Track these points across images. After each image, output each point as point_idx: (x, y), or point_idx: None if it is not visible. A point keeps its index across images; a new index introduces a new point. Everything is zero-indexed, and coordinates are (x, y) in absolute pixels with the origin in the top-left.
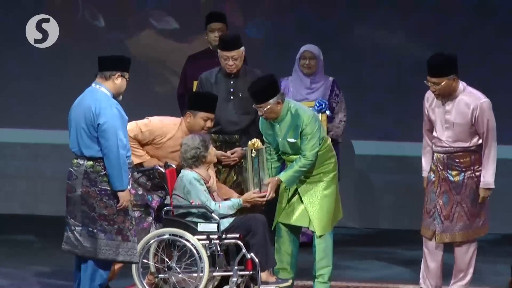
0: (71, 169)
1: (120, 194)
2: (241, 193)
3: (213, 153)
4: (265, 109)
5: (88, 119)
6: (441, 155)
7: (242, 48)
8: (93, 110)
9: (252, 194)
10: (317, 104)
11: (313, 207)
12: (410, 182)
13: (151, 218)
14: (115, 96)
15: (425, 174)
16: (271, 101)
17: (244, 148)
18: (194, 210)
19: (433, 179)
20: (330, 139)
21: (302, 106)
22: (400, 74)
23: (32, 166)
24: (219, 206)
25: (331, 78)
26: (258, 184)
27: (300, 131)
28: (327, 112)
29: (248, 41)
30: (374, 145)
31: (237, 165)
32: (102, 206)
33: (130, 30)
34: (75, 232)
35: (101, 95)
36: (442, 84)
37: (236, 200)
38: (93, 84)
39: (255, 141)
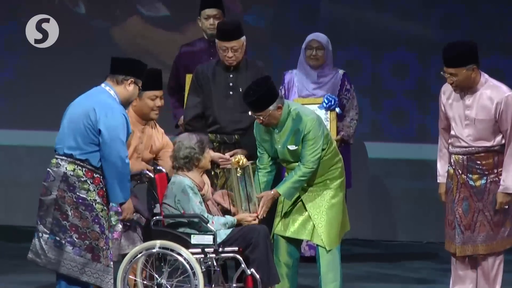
0: (49, 169)
1: (122, 207)
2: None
3: (208, 158)
4: (265, 116)
5: (90, 120)
6: (460, 156)
7: (243, 38)
8: (96, 112)
9: (246, 216)
10: (326, 101)
11: (320, 218)
12: (431, 188)
13: (120, 225)
14: (123, 104)
15: (440, 179)
16: (270, 107)
17: (228, 167)
18: (187, 220)
19: (452, 185)
20: (335, 142)
21: (304, 108)
22: (421, 69)
23: (5, 170)
24: (212, 222)
25: (341, 71)
26: (247, 204)
27: (302, 137)
28: (337, 109)
29: (247, 30)
30: (390, 147)
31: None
32: (77, 216)
33: (115, 18)
34: (41, 240)
35: (110, 98)
36: (460, 75)
37: (230, 219)
38: (102, 85)
39: (239, 158)
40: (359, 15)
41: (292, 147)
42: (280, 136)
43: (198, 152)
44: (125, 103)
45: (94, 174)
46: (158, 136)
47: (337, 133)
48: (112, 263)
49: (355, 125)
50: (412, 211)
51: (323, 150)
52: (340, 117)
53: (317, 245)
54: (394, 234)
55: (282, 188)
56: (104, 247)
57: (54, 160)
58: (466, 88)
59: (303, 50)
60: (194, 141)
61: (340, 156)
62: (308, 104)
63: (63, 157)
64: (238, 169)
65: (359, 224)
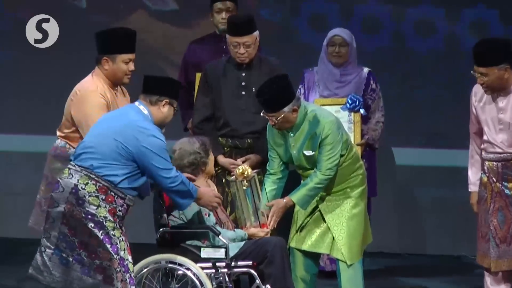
0: (60, 180)
1: (199, 202)
2: None
3: (212, 161)
4: (278, 118)
5: (128, 140)
6: (494, 163)
7: (256, 33)
8: (141, 129)
9: (257, 231)
10: (349, 101)
11: (340, 230)
12: (464, 198)
13: None
14: (157, 125)
15: (472, 188)
16: (285, 109)
17: (231, 179)
18: (196, 232)
19: (485, 194)
20: (356, 147)
21: (322, 110)
22: (456, 66)
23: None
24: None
25: (366, 69)
26: (255, 216)
27: (319, 142)
28: (361, 110)
29: (262, 24)
30: (419, 153)
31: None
32: (86, 233)
33: (119, 12)
34: (44, 255)
35: (147, 118)
36: (491, 75)
37: (241, 232)
38: (136, 103)
39: (244, 169)
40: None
41: (308, 153)
42: (295, 140)
43: (203, 156)
44: (159, 125)
45: (109, 192)
46: (127, 98)
47: (362, 137)
48: None
49: (381, 128)
50: (442, 222)
51: (342, 156)
52: (364, 120)
53: (338, 259)
54: (422, 247)
55: (296, 196)
56: (118, 269)
57: (66, 171)
58: (497, 89)
59: (325, 47)
60: (197, 145)
61: (361, 162)
62: (330, 105)
63: (78, 168)
64: (244, 181)
65: (384, 236)
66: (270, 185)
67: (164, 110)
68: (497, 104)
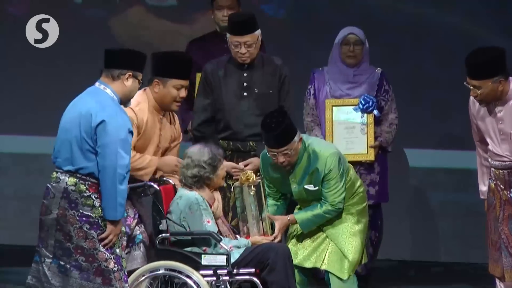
0: (49, 185)
1: (108, 224)
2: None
3: (222, 175)
4: (292, 150)
5: (84, 127)
6: (501, 171)
7: (258, 32)
8: (92, 118)
9: (261, 239)
10: (362, 102)
11: (348, 245)
12: (479, 202)
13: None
14: (122, 102)
15: (484, 196)
16: (295, 138)
17: (235, 184)
18: (196, 238)
19: (494, 201)
20: (352, 169)
21: (320, 142)
22: None
23: None
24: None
25: (378, 70)
26: (261, 225)
27: (322, 177)
28: (375, 112)
29: (265, 22)
30: (433, 155)
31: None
32: (81, 236)
33: (115, 6)
34: (44, 265)
35: (106, 98)
36: (485, 88)
37: (244, 241)
38: (96, 84)
39: (248, 175)
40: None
41: (310, 187)
42: (295, 175)
43: (208, 171)
44: (125, 100)
45: (99, 188)
46: (176, 127)
47: (375, 139)
48: (127, 285)
49: (395, 131)
50: (457, 228)
51: None
52: (377, 121)
53: (331, 273)
54: (434, 254)
55: (300, 216)
56: (115, 268)
57: (54, 175)
58: (491, 101)
59: (337, 46)
60: (205, 158)
61: (360, 180)
62: (342, 106)
63: (62, 171)
64: (252, 187)
65: (395, 242)
66: (272, 202)
67: (128, 83)
68: (495, 114)
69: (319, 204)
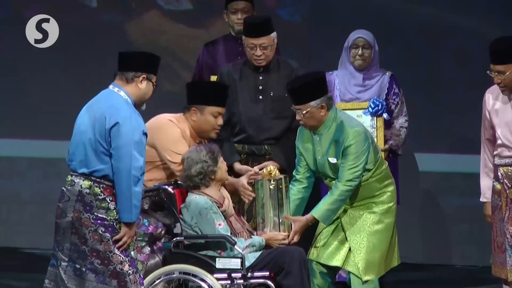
0: (64, 188)
1: (123, 226)
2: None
3: (224, 168)
4: (304, 112)
5: (99, 129)
6: (510, 168)
7: (274, 34)
8: (107, 120)
9: (276, 234)
10: (372, 105)
11: (360, 244)
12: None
13: (149, 248)
14: (136, 104)
15: (484, 199)
16: (312, 103)
17: (257, 177)
18: (210, 241)
19: (500, 202)
20: (387, 163)
21: (351, 119)
22: (486, 66)
23: (4, 185)
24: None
25: (388, 73)
26: (278, 222)
27: (342, 150)
28: (385, 115)
29: (281, 25)
30: (445, 159)
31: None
32: (96, 239)
33: (131, 11)
34: (60, 269)
35: (120, 101)
36: (510, 73)
37: (258, 239)
38: (110, 86)
39: (272, 169)
40: None
41: (332, 160)
42: (322, 145)
43: (211, 164)
44: (139, 103)
45: (114, 190)
46: None
47: (385, 142)
48: None
49: (405, 134)
50: (469, 232)
51: (368, 170)
52: (387, 125)
53: (351, 272)
54: (447, 257)
55: (317, 212)
56: (130, 271)
57: (69, 178)
58: None
59: (347, 49)
60: (204, 153)
61: (392, 179)
62: (352, 109)
63: (77, 174)
64: (272, 180)
65: (408, 246)
66: (295, 193)
67: (142, 86)
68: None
69: (329, 192)
